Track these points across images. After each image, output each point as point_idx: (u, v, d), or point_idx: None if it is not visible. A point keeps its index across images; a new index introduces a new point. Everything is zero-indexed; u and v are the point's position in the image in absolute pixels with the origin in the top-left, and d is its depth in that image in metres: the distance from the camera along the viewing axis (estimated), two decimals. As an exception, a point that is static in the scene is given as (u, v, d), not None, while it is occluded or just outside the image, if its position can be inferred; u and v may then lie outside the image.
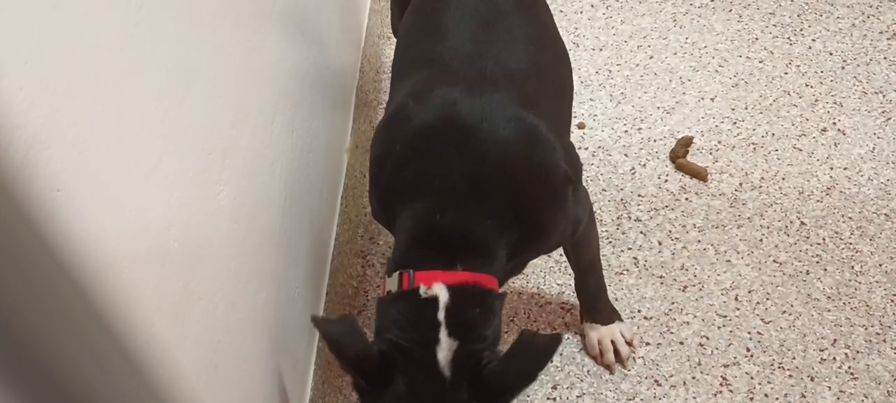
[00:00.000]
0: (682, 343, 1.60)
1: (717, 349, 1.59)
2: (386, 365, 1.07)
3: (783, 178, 1.88)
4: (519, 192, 1.16)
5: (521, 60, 1.27)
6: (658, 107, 2.03)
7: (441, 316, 1.08)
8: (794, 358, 1.58)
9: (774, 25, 2.25)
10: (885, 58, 2.15)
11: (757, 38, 2.21)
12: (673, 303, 1.66)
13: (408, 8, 1.49)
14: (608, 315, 1.57)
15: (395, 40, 1.72)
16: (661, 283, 1.69)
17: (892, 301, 1.66)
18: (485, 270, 1.13)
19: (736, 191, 1.85)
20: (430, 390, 1.07)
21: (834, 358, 1.58)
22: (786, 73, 2.12)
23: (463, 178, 1.13)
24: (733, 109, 2.03)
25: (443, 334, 1.08)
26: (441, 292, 1.09)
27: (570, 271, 1.58)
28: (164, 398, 0.77)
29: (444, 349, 1.07)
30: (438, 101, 1.17)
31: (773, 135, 1.97)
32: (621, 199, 1.84)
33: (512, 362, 1.07)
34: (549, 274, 1.71)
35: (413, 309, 1.10)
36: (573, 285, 1.59)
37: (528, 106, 1.19)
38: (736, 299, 1.67)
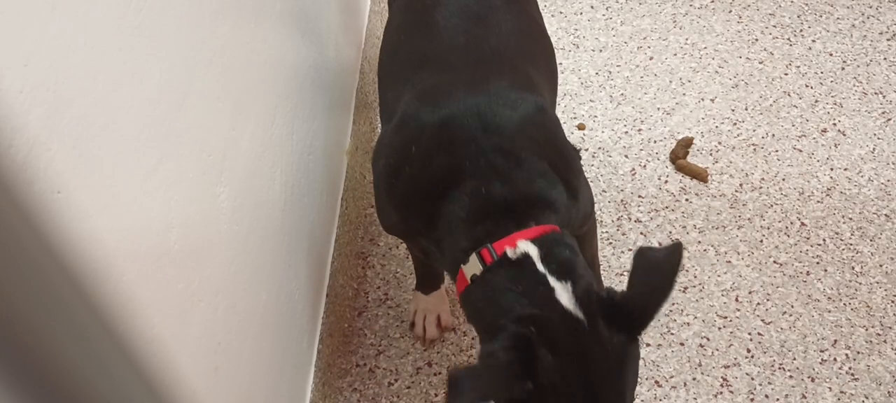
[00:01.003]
0: (682, 344, 1.60)
1: (717, 350, 1.59)
2: (526, 350, 0.97)
3: (783, 179, 1.88)
4: (548, 154, 1.15)
5: (515, 51, 1.29)
6: (658, 108, 2.03)
7: (541, 266, 1.04)
8: (794, 359, 1.58)
9: (774, 26, 2.25)
10: (885, 58, 2.15)
11: (757, 39, 2.21)
12: (673, 304, 1.66)
13: (393, 6, 1.48)
14: None
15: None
16: (662, 284, 1.69)
17: (893, 301, 1.66)
18: (556, 221, 1.11)
19: (736, 191, 1.85)
20: (575, 341, 0.99)
21: (834, 359, 1.57)
22: (786, 74, 2.12)
23: (495, 152, 1.11)
24: (733, 110, 2.03)
25: (552, 281, 1.02)
26: (529, 247, 1.05)
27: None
28: (165, 399, 0.77)
29: (562, 293, 1.01)
30: (445, 97, 1.17)
31: (774, 135, 1.97)
32: (621, 200, 1.84)
33: (640, 283, 1.01)
34: (550, 276, 1.71)
35: (511, 274, 1.04)
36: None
37: (530, 88, 1.21)
38: (736, 300, 1.67)
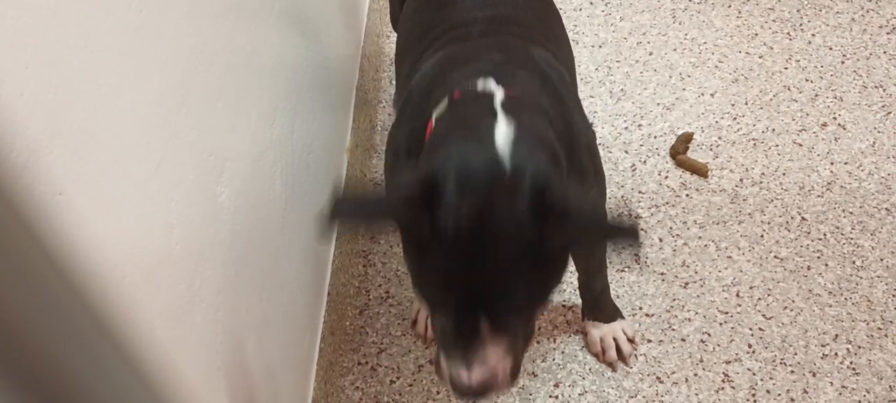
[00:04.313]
0: (683, 339, 1.61)
1: (718, 345, 1.60)
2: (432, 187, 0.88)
3: (784, 174, 1.88)
4: (556, 102, 1.09)
5: (530, 15, 1.34)
6: (658, 104, 2.04)
7: (497, 104, 0.96)
8: (795, 354, 1.58)
9: (774, 20, 2.25)
10: (884, 52, 2.15)
11: (756, 34, 2.21)
12: (674, 300, 1.66)
13: None
14: (610, 313, 1.57)
15: (394, 38, 1.72)
16: (663, 280, 1.69)
17: (894, 295, 1.66)
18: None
19: (736, 186, 1.85)
20: (488, 189, 0.88)
21: (836, 354, 1.58)
22: (785, 69, 2.12)
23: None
24: (733, 105, 2.03)
25: (500, 116, 0.94)
26: (495, 89, 0.99)
27: (570, 271, 1.58)
28: (167, 399, 0.77)
29: (502, 127, 0.92)
30: (463, 64, 1.13)
31: (774, 130, 1.97)
32: (622, 196, 1.84)
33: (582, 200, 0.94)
34: (551, 272, 1.71)
35: (466, 106, 0.99)
36: (574, 283, 1.59)
37: (538, 45, 1.22)
38: (737, 295, 1.67)
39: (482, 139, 0.91)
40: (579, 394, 1.54)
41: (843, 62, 2.13)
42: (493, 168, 0.89)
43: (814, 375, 1.55)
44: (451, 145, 0.93)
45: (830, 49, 2.16)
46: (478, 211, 0.87)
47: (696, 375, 1.55)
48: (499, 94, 0.99)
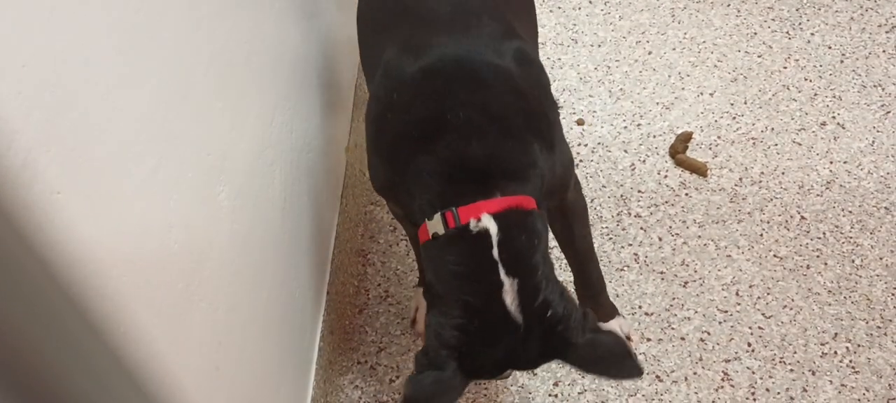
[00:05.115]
0: (683, 338, 1.61)
1: (718, 344, 1.60)
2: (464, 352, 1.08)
3: (783, 173, 1.88)
4: (527, 109, 1.16)
5: (497, 1, 1.30)
6: (657, 103, 2.04)
7: (495, 253, 1.07)
8: (795, 353, 1.58)
9: (773, 20, 2.25)
10: (883, 51, 2.15)
11: (755, 33, 2.21)
12: (674, 299, 1.66)
13: None
14: (608, 311, 1.57)
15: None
16: (662, 279, 1.69)
17: (893, 294, 1.66)
18: (523, 192, 1.12)
19: (736, 186, 1.85)
20: (506, 344, 1.08)
21: (835, 352, 1.58)
22: (785, 68, 2.12)
23: (475, 108, 1.12)
24: (732, 104, 2.03)
25: (502, 274, 1.07)
26: (490, 224, 1.07)
27: (570, 270, 1.58)
28: (167, 398, 0.77)
29: (508, 291, 1.07)
30: (427, 46, 1.17)
31: (773, 129, 1.97)
32: (621, 195, 1.84)
33: (593, 346, 1.10)
34: (550, 271, 1.71)
35: (467, 251, 1.08)
36: (574, 283, 1.59)
37: (512, 36, 1.22)
38: (737, 294, 1.67)
39: (494, 308, 1.07)
40: (578, 393, 1.54)
41: (842, 61, 2.13)
42: (508, 323, 1.07)
43: (813, 373, 1.55)
44: (463, 309, 1.08)
45: (829, 48, 2.17)
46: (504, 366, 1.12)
47: (695, 374, 1.55)
48: (493, 233, 1.08)
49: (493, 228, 1.07)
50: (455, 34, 1.19)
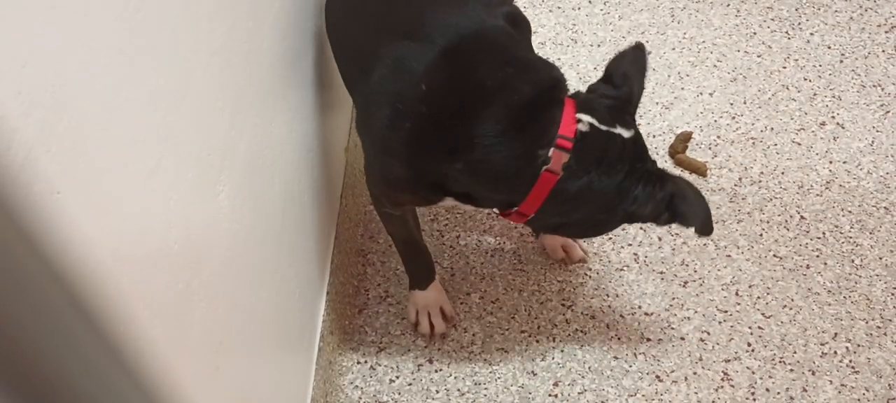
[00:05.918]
0: (683, 338, 1.61)
1: (718, 344, 1.60)
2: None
3: (782, 173, 1.88)
4: (527, 42, 1.34)
5: None
6: (657, 103, 2.03)
7: (603, 127, 1.23)
8: (794, 353, 1.58)
9: (772, 19, 2.25)
10: (883, 51, 2.15)
11: (755, 33, 2.21)
12: (673, 299, 1.66)
13: None
14: None
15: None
16: (662, 279, 1.69)
17: (893, 294, 1.66)
18: (565, 88, 1.27)
19: (735, 185, 1.85)
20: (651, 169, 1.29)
21: (835, 352, 1.58)
22: (784, 68, 2.12)
23: (503, 65, 1.20)
24: (732, 104, 2.03)
25: (618, 129, 1.24)
26: (585, 116, 1.21)
27: (570, 269, 1.59)
28: (166, 399, 0.77)
29: (624, 133, 1.25)
30: (435, 28, 1.20)
31: (772, 129, 1.97)
32: (621, 195, 1.84)
33: (623, 79, 1.33)
34: (549, 271, 1.71)
35: (596, 142, 1.21)
36: (573, 282, 1.59)
37: (498, 2, 1.32)
38: (736, 294, 1.67)
39: (633, 157, 1.28)
40: (578, 393, 1.54)
41: (841, 61, 2.13)
42: (638, 151, 1.31)
43: (813, 373, 1.55)
44: (644, 176, 1.28)
45: (829, 48, 2.17)
46: None
47: (695, 374, 1.55)
48: (593, 120, 1.23)
49: (589, 118, 1.20)
50: (454, 8, 1.23)
